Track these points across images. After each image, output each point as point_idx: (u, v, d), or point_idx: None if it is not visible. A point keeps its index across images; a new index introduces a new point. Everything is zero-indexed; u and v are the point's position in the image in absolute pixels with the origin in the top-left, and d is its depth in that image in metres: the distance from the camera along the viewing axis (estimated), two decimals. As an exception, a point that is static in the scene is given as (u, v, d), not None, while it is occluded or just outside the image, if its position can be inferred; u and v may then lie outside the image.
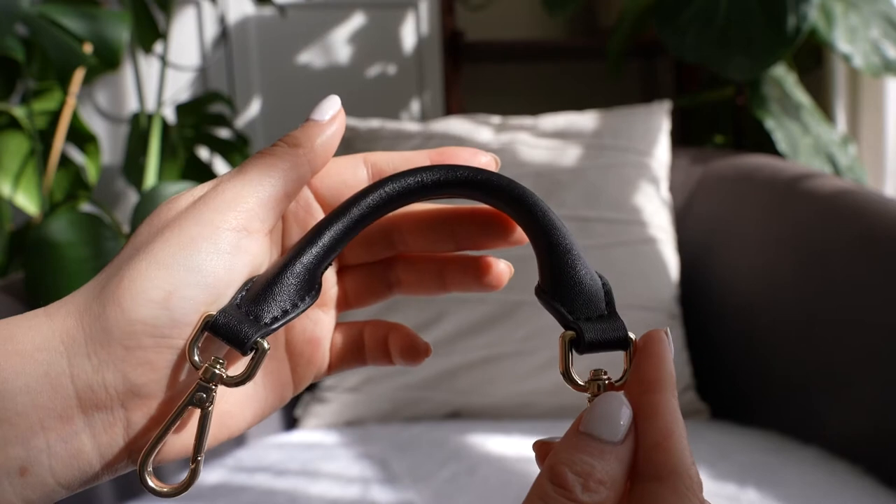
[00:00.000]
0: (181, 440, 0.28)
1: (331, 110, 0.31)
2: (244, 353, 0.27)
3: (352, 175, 0.31)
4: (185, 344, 0.26)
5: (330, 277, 0.33)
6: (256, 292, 0.27)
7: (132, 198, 1.52)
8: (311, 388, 1.11)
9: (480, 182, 0.30)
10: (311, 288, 0.28)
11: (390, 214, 0.31)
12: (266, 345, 0.27)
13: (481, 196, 0.30)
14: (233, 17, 1.58)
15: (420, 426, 0.99)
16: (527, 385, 1.02)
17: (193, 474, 0.26)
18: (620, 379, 0.27)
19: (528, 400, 1.02)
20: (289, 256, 0.28)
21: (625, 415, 0.24)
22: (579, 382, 0.27)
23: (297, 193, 0.30)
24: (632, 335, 0.27)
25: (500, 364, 1.03)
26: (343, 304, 0.35)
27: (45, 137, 1.14)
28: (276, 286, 0.27)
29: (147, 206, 1.01)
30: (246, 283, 0.28)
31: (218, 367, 0.26)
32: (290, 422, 1.08)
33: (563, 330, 0.28)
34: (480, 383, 1.03)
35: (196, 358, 0.26)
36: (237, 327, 0.26)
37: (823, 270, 0.94)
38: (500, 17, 1.70)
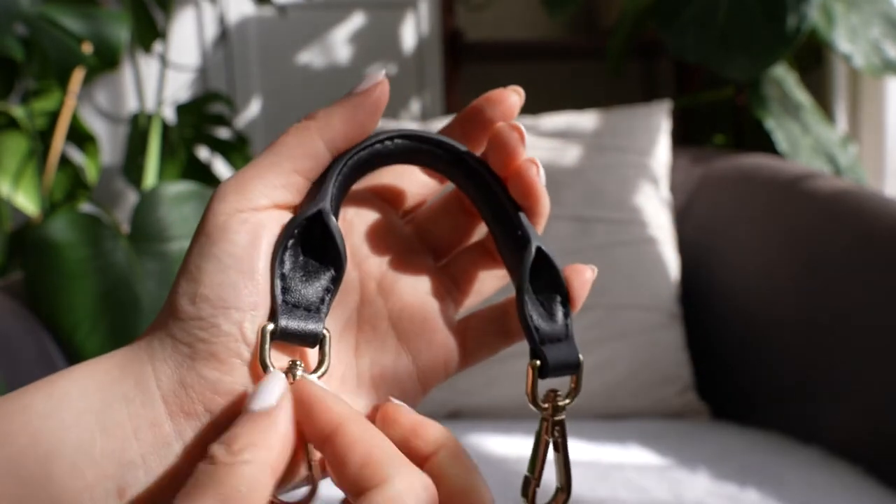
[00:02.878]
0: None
1: (367, 83, 0.29)
2: (313, 347, 0.27)
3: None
4: (254, 359, 0.27)
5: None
6: (292, 282, 0.28)
7: (132, 198, 1.52)
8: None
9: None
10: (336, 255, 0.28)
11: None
12: (327, 331, 0.28)
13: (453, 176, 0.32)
14: (233, 17, 1.58)
15: (420, 426, 0.99)
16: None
17: (313, 489, 0.27)
18: (568, 396, 0.30)
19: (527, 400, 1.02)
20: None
21: (280, 387, 0.25)
22: (538, 404, 0.30)
23: (312, 167, 0.29)
24: (581, 357, 0.30)
25: (500, 364, 1.03)
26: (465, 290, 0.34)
27: (44, 137, 1.14)
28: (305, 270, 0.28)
29: (147, 206, 1.01)
30: (277, 268, 0.27)
31: (299, 369, 0.27)
32: (290, 422, 1.08)
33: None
34: (481, 383, 1.03)
35: (272, 369, 0.26)
36: (298, 327, 0.27)
37: (823, 270, 0.94)
38: (500, 17, 1.70)
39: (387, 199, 0.33)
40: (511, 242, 0.30)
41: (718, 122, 1.50)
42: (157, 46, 1.36)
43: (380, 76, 0.29)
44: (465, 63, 1.62)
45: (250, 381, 0.26)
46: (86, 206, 1.26)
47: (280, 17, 1.56)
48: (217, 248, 0.27)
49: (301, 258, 0.28)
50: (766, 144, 1.24)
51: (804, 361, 0.94)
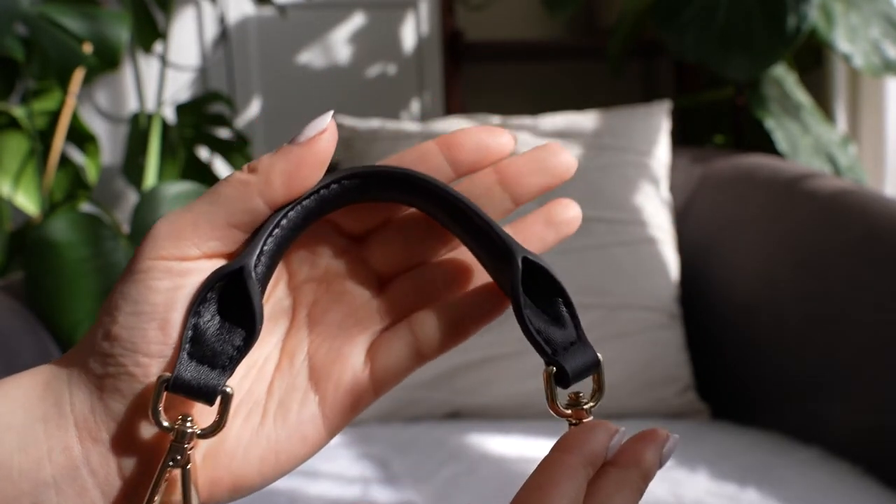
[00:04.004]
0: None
1: (312, 131, 0.28)
2: (210, 405, 0.26)
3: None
4: (148, 409, 0.26)
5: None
6: (203, 336, 0.27)
7: (132, 198, 1.52)
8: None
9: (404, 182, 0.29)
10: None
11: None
12: (230, 389, 0.26)
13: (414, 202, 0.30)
14: (233, 17, 1.58)
15: (420, 426, 0.99)
16: (527, 385, 1.02)
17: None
18: (592, 398, 0.29)
19: (528, 400, 1.02)
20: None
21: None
22: (565, 411, 0.29)
23: (250, 221, 0.28)
24: (599, 356, 0.29)
25: (500, 364, 1.03)
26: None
27: (44, 137, 1.14)
28: (219, 326, 0.27)
29: (147, 206, 1.01)
30: (191, 319, 0.27)
31: (188, 425, 0.26)
32: (290, 422, 1.08)
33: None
34: (480, 383, 1.03)
35: (162, 421, 0.26)
36: (196, 381, 0.26)
37: (823, 270, 0.94)
38: (500, 17, 1.70)
39: (336, 222, 0.31)
40: (494, 259, 0.29)
41: (718, 122, 1.50)
42: (158, 46, 1.36)
43: (325, 122, 0.28)
44: (465, 63, 1.62)
45: (140, 413, 0.27)
46: (86, 206, 1.26)
47: (280, 17, 1.56)
48: (136, 291, 0.26)
49: (217, 315, 0.27)
50: (766, 144, 1.24)
51: (804, 361, 0.94)
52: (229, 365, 0.27)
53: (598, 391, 0.29)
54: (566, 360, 0.28)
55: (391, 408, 1.03)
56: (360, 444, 0.94)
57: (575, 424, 0.28)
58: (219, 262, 0.28)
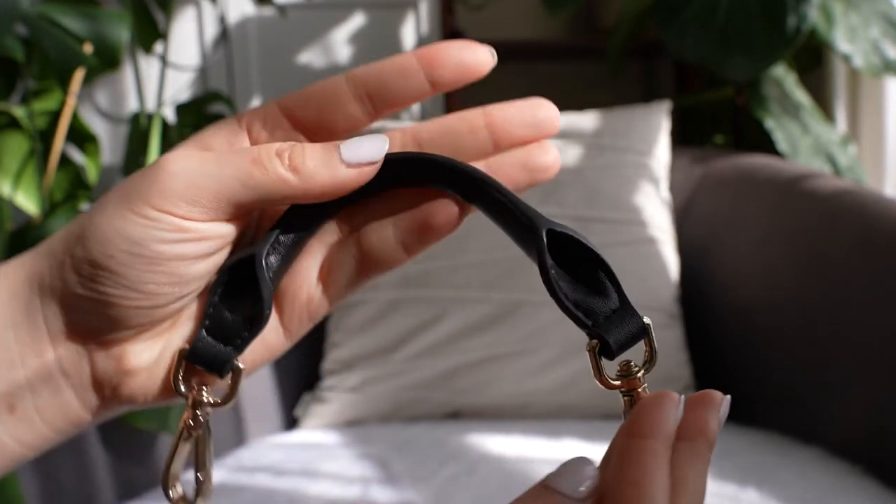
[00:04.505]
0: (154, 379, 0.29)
1: (365, 155, 0.28)
2: (222, 377, 0.28)
3: (342, 111, 0.29)
4: (169, 377, 0.28)
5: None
6: (218, 314, 0.28)
7: (132, 198, 1.52)
8: (311, 387, 1.11)
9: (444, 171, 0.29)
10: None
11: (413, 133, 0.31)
12: (241, 364, 0.28)
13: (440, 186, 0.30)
14: (233, 17, 1.58)
15: (420, 426, 0.99)
16: (527, 385, 1.02)
17: (201, 487, 0.28)
18: (644, 366, 0.27)
19: (528, 400, 1.02)
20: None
21: (588, 474, 0.25)
22: (614, 382, 0.27)
23: (271, 210, 0.29)
24: (647, 320, 0.27)
25: (500, 364, 1.03)
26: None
27: (45, 137, 1.14)
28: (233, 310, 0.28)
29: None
30: (210, 297, 0.28)
31: (205, 395, 0.28)
32: (290, 422, 1.08)
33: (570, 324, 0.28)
34: (480, 383, 1.03)
35: (182, 389, 0.28)
36: (211, 355, 0.28)
37: (823, 270, 0.94)
38: (500, 17, 1.70)
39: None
40: (520, 234, 0.28)
41: (718, 122, 1.50)
42: (158, 46, 1.36)
43: (380, 151, 0.28)
44: (465, 63, 1.61)
45: (124, 322, 0.27)
46: (86, 206, 1.26)
47: (280, 17, 1.56)
48: (139, 234, 0.26)
49: (230, 297, 0.28)
50: (765, 144, 1.24)
51: (804, 361, 0.94)
52: (241, 345, 0.28)
53: (649, 358, 0.27)
54: (609, 330, 0.27)
55: (391, 408, 1.03)
56: (360, 444, 0.94)
57: (629, 396, 0.27)
58: (225, 227, 0.28)
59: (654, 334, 0.27)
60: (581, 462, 0.25)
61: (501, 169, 0.30)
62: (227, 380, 0.28)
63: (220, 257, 0.28)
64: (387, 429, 0.99)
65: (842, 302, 0.91)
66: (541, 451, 0.88)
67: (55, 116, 1.14)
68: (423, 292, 1.06)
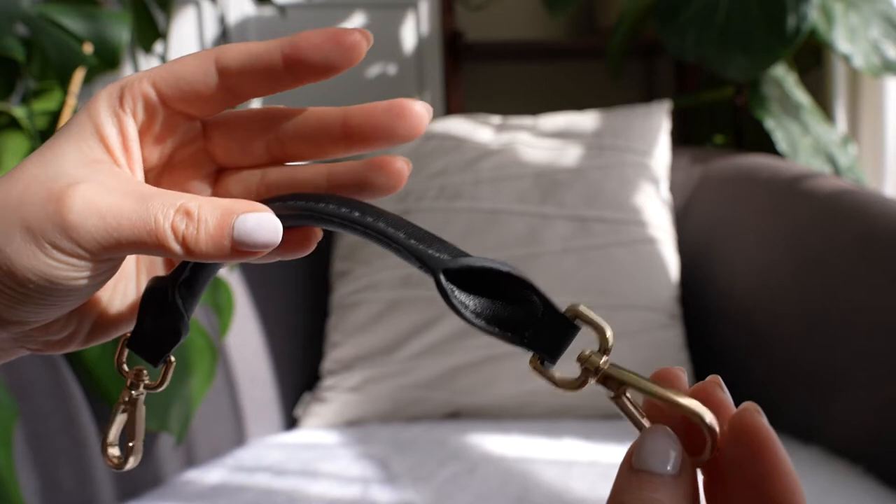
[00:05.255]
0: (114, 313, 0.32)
1: (260, 242, 0.27)
2: (155, 367, 0.31)
3: (202, 82, 0.29)
4: (115, 361, 0.32)
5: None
6: (158, 309, 0.31)
7: (132, 198, 1.52)
8: (311, 388, 1.11)
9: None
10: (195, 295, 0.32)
11: (272, 117, 0.31)
12: (173, 358, 0.32)
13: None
14: (233, 17, 1.58)
15: (420, 426, 0.99)
16: (527, 385, 1.02)
17: (130, 453, 0.32)
18: (600, 350, 0.26)
19: (528, 400, 1.02)
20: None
21: (674, 447, 0.24)
22: (574, 379, 0.26)
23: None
24: (582, 308, 0.26)
25: (500, 364, 1.03)
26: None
27: (45, 137, 1.14)
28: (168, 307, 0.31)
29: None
30: (147, 291, 0.31)
31: (144, 378, 0.32)
32: (290, 422, 1.08)
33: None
34: (480, 383, 1.03)
35: (124, 371, 0.32)
36: (148, 347, 0.31)
37: (823, 270, 0.94)
38: (500, 17, 1.70)
39: (186, 112, 0.30)
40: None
41: (718, 122, 1.50)
42: (158, 46, 1.36)
43: (271, 235, 0.27)
44: (465, 63, 1.62)
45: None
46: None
47: (280, 17, 1.56)
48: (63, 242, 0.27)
49: (156, 307, 0.31)
50: (765, 144, 1.24)
51: (804, 361, 0.94)
52: (166, 351, 0.31)
53: (602, 341, 0.26)
54: (537, 339, 0.26)
55: (391, 408, 1.03)
56: (360, 444, 0.94)
57: (614, 397, 0.26)
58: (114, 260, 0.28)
59: (589, 313, 0.26)
60: (661, 435, 0.24)
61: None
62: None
63: (113, 269, 0.29)
64: (387, 429, 0.99)
65: (841, 302, 0.91)
66: (541, 451, 0.88)
67: (55, 116, 1.14)
68: (423, 292, 1.06)
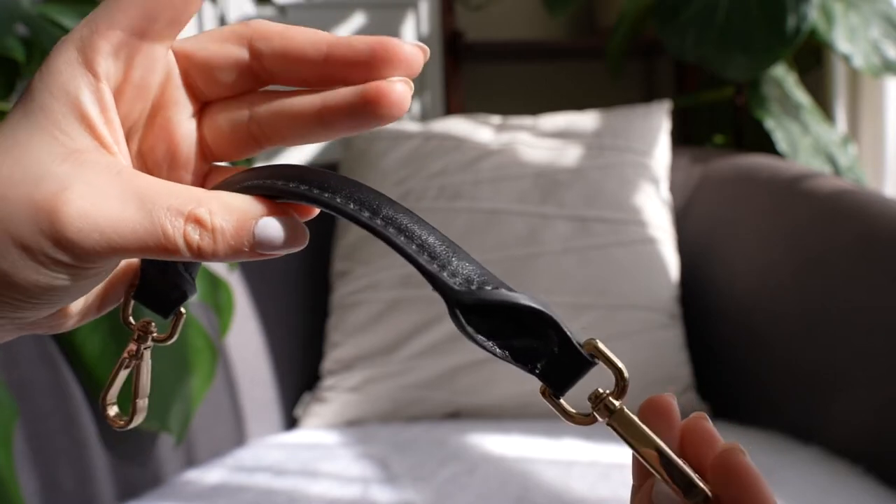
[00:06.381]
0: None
1: (277, 245, 0.26)
2: (165, 318, 0.30)
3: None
4: (121, 314, 0.30)
5: (188, 135, 0.29)
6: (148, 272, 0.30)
7: (132, 198, 1.52)
8: (311, 387, 1.11)
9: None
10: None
11: (253, 43, 0.29)
12: (183, 310, 0.31)
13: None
14: (233, 17, 1.58)
15: (420, 426, 0.99)
16: (527, 385, 1.02)
17: (136, 410, 0.30)
18: (616, 389, 0.25)
19: (528, 400, 1.02)
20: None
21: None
22: (584, 416, 0.26)
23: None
24: (600, 344, 0.25)
25: (501, 364, 1.03)
26: (208, 157, 0.30)
27: (45, 137, 1.13)
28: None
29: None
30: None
31: (153, 330, 0.31)
32: (290, 422, 1.08)
33: None
34: (480, 383, 1.03)
35: (131, 323, 0.30)
36: (157, 298, 0.30)
37: (823, 270, 0.94)
38: (500, 17, 1.70)
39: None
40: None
41: (718, 122, 1.50)
42: (158, 46, 1.36)
43: (281, 237, 0.26)
44: (465, 63, 1.62)
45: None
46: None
47: (280, 18, 1.56)
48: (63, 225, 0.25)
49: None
50: (765, 144, 1.24)
51: (804, 361, 0.94)
52: (175, 304, 0.30)
53: (619, 381, 0.25)
54: (550, 371, 0.26)
55: (391, 408, 1.03)
56: (360, 444, 0.94)
57: (619, 432, 0.25)
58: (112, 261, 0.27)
59: (607, 351, 0.25)
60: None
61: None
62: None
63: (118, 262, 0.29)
64: (387, 429, 0.99)
65: (841, 302, 0.91)
66: (541, 451, 0.88)
67: (55, 116, 1.14)
68: (423, 292, 1.06)
